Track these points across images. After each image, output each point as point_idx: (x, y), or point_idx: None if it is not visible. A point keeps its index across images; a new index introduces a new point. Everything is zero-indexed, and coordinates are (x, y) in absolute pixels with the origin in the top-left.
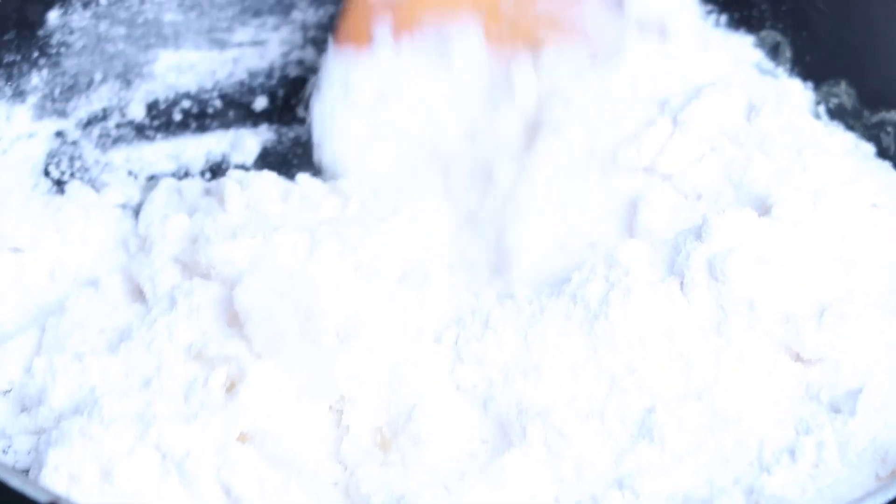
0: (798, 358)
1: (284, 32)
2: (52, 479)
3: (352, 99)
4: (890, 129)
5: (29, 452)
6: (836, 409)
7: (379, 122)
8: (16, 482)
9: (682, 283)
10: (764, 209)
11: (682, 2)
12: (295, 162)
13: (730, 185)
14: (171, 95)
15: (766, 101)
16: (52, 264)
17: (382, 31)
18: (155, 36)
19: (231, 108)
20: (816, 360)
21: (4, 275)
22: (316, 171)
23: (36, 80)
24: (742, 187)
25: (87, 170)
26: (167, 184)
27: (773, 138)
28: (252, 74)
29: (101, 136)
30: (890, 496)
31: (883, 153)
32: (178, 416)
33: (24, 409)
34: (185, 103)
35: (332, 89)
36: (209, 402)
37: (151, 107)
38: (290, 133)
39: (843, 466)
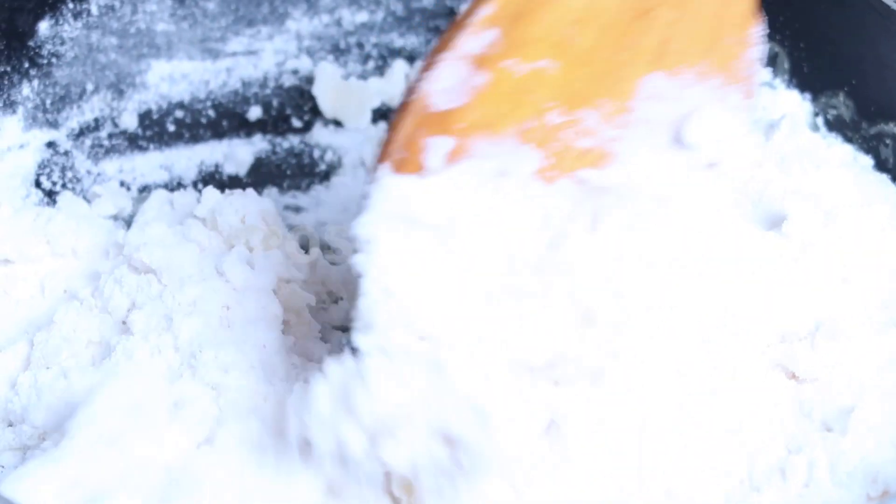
0: (792, 376)
1: (278, 42)
2: (36, 497)
3: (414, 232)
4: (888, 141)
5: (16, 468)
6: (827, 428)
7: (443, 256)
8: None
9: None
10: (775, 226)
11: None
12: (289, 172)
13: (749, 204)
14: (164, 105)
15: (776, 120)
16: (43, 276)
17: (438, 155)
18: (147, 46)
19: (224, 118)
20: (810, 378)
21: None
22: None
23: (27, 90)
24: (760, 206)
25: (78, 180)
26: (159, 195)
27: (787, 157)
28: (246, 84)
29: (93, 146)
30: None
31: (881, 165)
32: (163, 433)
33: (10, 425)
34: (178, 113)
35: (391, 220)
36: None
37: (144, 117)
38: (285, 143)
39: (833, 486)
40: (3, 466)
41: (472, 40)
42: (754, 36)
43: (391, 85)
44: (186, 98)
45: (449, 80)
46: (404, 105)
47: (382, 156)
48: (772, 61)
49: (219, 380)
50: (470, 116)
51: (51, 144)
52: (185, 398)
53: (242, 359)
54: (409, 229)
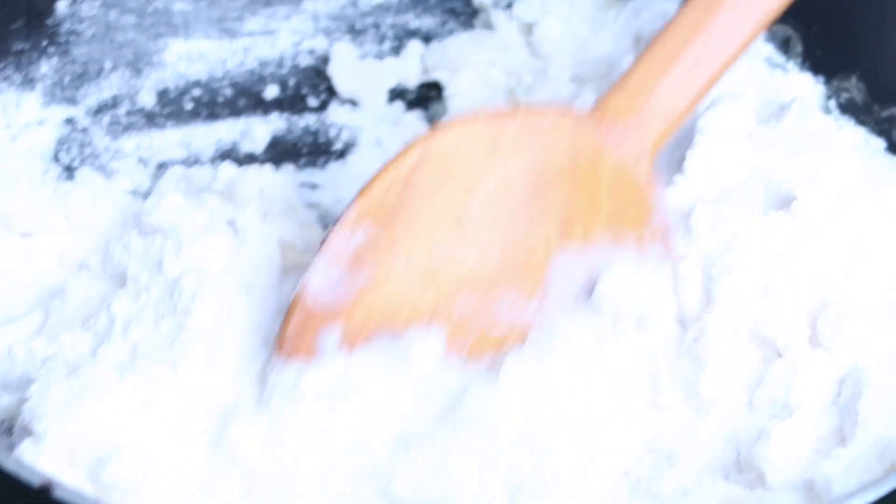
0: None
1: (295, 22)
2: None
3: (301, 408)
4: None
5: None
6: (836, 405)
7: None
8: (10, 465)
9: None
10: (784, 207)
11: (659, 292)
12: (305, 150)
13: (759, 186)
14: (182, 84)
15: (787, 103)
16: (61, 250)
17: (330, 341)
18: (165, 25)
19: (241, 97)
20: (818, 358)
21: (13, 260)
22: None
23: (45, 67)
24: (769, 188)
25: (97, 156)
26: (175, 172)
27: (797, 140)
28: (263, 63)
29: (111, 123)
30: (888, 488)
31: (893, 148)
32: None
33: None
34: (196, 91)
35: (280, 401)
36: None
37: (162, 95)
38: (301, 122)
39: (840, 460)
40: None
41: (344, 237)
42: (657, 202)
43: (406, 65)
44: (204, 76)
45: (329, 275)
46: (293, 300)
47: (278, 348)
48: (785, 44)
49: (212, 329)
50: (361, 310)
51: (69, 121)
52: (180, 345)
53: (241, 311)
54: (298, 404)
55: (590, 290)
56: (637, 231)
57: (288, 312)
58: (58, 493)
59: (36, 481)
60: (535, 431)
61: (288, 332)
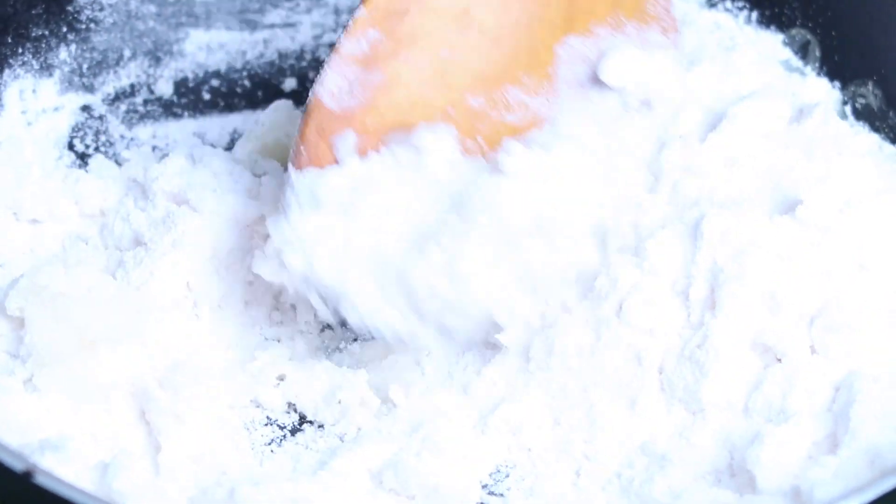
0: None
1: (316, 15)
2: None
3: (321, 215)
4: None
5: None
6: (830, 412)
7: (348, 233)
8: None
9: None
10: (790, 211)
11: (662, 74)
12: None
13: (768, 189)
14: (200, 74)
15: (808, 106)
16: (70, 237)
17: (345, 147)
18: (186, 15)
19: (259, 89)
20: (817, 364)
21: (22, 246)
22: None
23: (64, 54)
24: (778, 191)
25: (111, 144)
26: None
27: (813, 144)
28: (282, 56)
29: (127, 111)
30: (872, 496)
31: None
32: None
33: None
34: (214, 82)
35: (300, 209)
36: None
37: (179, 84)
38: None
39: (826, 466)
40: None
41: (352, 43)
42: None
43: None
44: (223, 67)
45: (340, 82)
46: (306, 110)
47: (293, 161)
48: (803, 49)
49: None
50: (373, 114)
51: (85, 108)
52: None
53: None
54: (316, 211)
55: (595, 78)
56: (637, 18)
57: (302, 124)
58: (39, 479)
59: (19, 466)
60: (544, 222)
61: (303, 141)
